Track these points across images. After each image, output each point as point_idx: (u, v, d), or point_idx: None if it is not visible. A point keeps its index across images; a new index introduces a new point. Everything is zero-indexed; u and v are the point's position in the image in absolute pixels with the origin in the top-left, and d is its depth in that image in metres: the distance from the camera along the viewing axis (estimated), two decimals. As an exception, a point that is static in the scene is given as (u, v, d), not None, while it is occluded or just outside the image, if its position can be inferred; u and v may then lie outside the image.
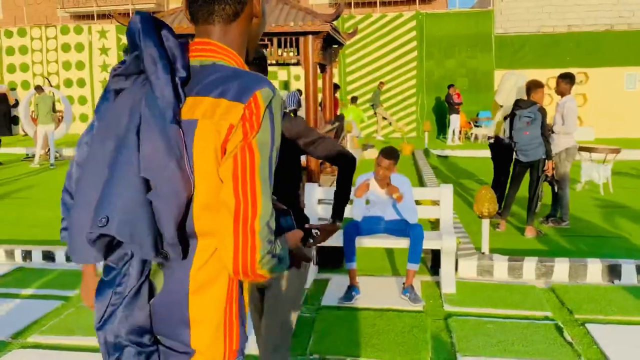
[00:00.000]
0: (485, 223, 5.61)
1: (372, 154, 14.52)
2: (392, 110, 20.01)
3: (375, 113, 19.47)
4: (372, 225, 5.14)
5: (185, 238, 1.28)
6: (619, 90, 19.14)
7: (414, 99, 20.05)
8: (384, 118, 19.82)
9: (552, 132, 7.09)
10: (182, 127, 1.27)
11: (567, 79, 7.18)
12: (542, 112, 6.65)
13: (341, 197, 2.87)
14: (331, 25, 9.22)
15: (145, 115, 1.24)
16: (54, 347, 4.11)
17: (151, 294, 1.30)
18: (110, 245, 1.27)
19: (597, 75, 19.04)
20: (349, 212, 5.47)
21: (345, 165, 2.83)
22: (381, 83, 19.57)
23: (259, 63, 2.62)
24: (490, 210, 5.45)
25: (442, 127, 19.94)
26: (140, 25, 1.30)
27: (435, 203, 5.64)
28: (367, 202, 5.17)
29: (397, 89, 20.09)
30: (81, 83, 21.41)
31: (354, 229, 4.99)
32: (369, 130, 19.71)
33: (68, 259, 6.05)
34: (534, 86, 6.84)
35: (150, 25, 1.32)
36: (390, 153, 4.97)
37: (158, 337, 1.31)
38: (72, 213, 1.36)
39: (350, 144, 15.33)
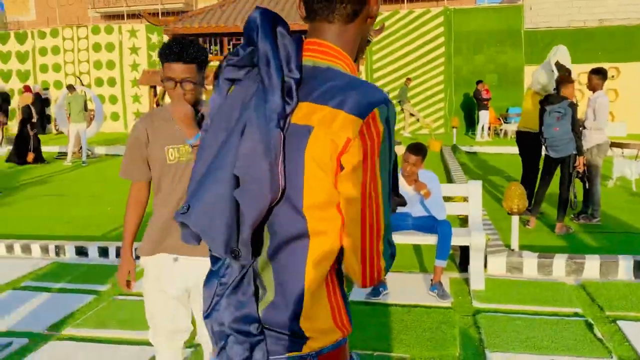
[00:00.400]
0: (515, 219, 5.57)
1: (400, 150, 14.48)
2: (419, 107, 19.92)
3: (402, 109, 19.40)
4: (399, 222, 5.15)
5: (260, 239, 1.31)
6: (652, 85, 18.75)
7: (442, 95, 19.92)
8: (412, 114, 19.74)
9: (584, 127, 7.00)
10: (294, 130, 1.28)
11: (599, 74, 7.08)
12: (573, 107, 6.57)
13: None
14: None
15: (251, 114, 1.26)
16: (88, 340, 4.21)
17: (256, 284, 1.33)
18: None
19: (629, 70, 18.68)
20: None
21: None
22: (408, 79, 19.48)
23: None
24: (519, 206, 5.41)
25: (470, 124, 19.78)
26: (260, 22, 1.30)
27: (464, 199, 5.62)
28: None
29: (424, 85, 19.99)
30: (112, 82, 21.75)
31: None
32: (396, 127, 19.63)
33: (100, 254, 6.18)
34: (564, 81, 6.77)
35: (269, 23, 1.31)
36: (417, 149, 4.97)
37: (266, 325, 1.32)
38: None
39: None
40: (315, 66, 1.34)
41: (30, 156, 14.20)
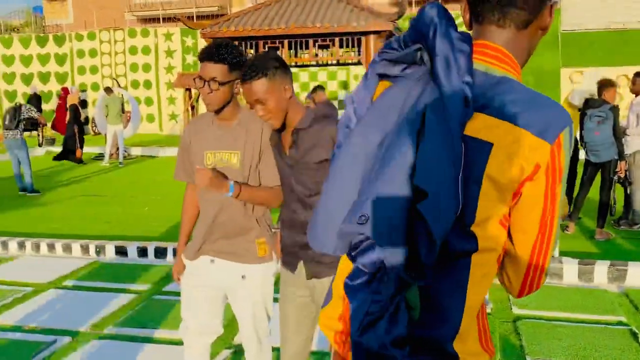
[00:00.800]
0: (555, 225, 5.47)
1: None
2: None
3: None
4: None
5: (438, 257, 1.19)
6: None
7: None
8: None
9: (626, 132, 6.85)
10: (471, 144, 1.18)
11: None
12: (614, 111, 6.44)
13: None
14: (394, 24, 9.21)
15: (430, 119, 1.15)
16: (130, 339, 4.27)
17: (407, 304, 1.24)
18: (357, 243, 1.21)
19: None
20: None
21: None
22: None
23: (279, 65, 2.46)
24: (560, 212, 5.31)
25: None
26: (438, 20, 1.19)
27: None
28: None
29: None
30: (147, 85, 22.07)
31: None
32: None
33: (139, 254, 6.28)
34: (605, 85, 6.64)
35: (448, 22, 1.20)
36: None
37: (414, 345, 1.23)
38: (322, 198, 1.32)
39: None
40: (487, 72, 1.25)
41: (79, 152, 14.59)
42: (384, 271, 1.18)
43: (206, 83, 2.58)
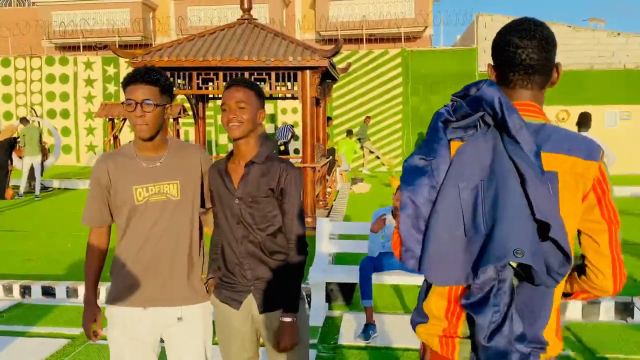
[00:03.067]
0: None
1: (361, 188, 14.54)
2: (378, 145, 20.14)
3: (362, 147, 19.56)
4: (387, 261, 5.08)
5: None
6: (599, 127, 19.53)
7: (400, 133, 20.21)
8: (371, 152, 19.93)
9: None
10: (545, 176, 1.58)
11: None
12: None
13: (293, 285, 2.55)
14: (329, 60, 9.29)
15: (523, 168, 1.55)
16: (68, 389, 3.94)
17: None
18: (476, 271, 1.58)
19: (579, 112, 19.42)
20: (364, 247, 5.42)
21: (301, 251, 2.56)
22: (367, 117, 19.71)
23: (263, 94, 2.61)
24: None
25: (427, 162, 20.08)
26: (501, 99, 1.60)
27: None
28: (382, 237, 5.11)
29: (383, 124, 20.26)
30: (65, 114, 21.20)
31: (370, 265, 4.92)
32: (355, 164, 19.76)
33: (68, 294, 5.87)
34: (583, 125, 7.04)
35: (503, 95, 1.61)
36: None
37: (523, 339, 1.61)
38: (430, 244, 1.63)
39: (339, 178, 15.35)
40: (530, 122, 1.66)
41: (10, 192, 13.52)
42: (497, 287, 1.56)
43: (138, 105, 2.41)
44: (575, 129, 7.35)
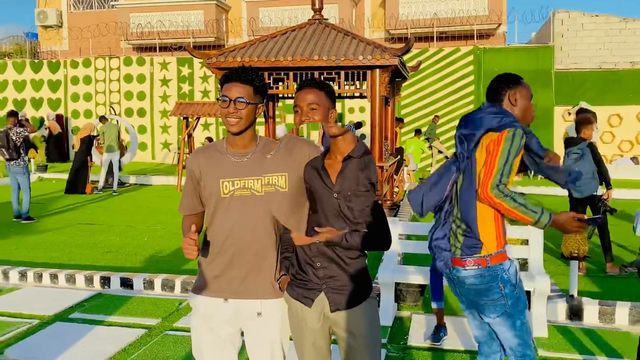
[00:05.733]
0: (574, 264, 5.40)
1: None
2: (447, 144, 19.84)
3: (430, 147, 19.33)
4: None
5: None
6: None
7: (470, 133, 19.81)
8: (439, 151, 19.66)
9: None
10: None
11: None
12: (591, 147, 6.69)
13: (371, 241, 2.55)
14: (399, 59, 9.23)
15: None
16: (145, 377, 4.09)
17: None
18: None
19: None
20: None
21: (384, 243, 2.58)
22: (436, 116, 19.45)
23: (333, 91, 2.69)
24: (580, 250, 5.25)
25: (498, 163, 19.62)
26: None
27: (522, 242, 5.47)
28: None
29: (452, 123, 19.92)
30: (142, 113, 21.99)
31: (441, 267, 4.86)
32: (423, 164, 19.53)
33: (145, 286, 6.10)
34: (584, 122, 6.80)
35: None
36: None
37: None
38: (425, 189, 3.15)
39: (406, 178, 15.21)
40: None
41: (90, 187, 14.17)
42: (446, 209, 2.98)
43: (231, 102, 2.52)
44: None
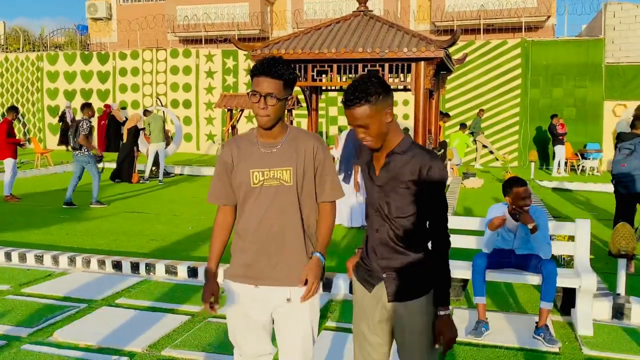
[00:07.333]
0: (622, 262, 5.26)
1: (473, 182, 14.18)
2: (492, 139, 19.53)
3: (475, 141, 19.06)
4: (502, 259, 4.95)
5: None
6: None
7: (516, 127, 19.45)
8: (484, 146, 19.37)
9: None
10: None
11: None
12: None
13: (444, 282, 2.50)
14: (445, 51, 9.12)
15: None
16: (188, 362, 4.18)
17: None
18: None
19: None
20: (477, 243, 5.30)
21: (445, 244, 2.52)
22: (481, 110, 19.14)
23: (382, 91, 2.43)
24: (628, 247, 5.12)
25: (544, 158, 19.22)
26: None
27: (569, 238, 5.37)
28: (497, 235, 4.97)
29: (498, 117, 19.59)
30: (187, 104, 22.32)
31: (484, 262, 4.81)
32: (467, 159, 19.26)
33: (189, 274, 6.22)
34: (638, 117, 6.65)
35: None
36: (521, 181, 4.77)
37: None
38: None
39: (450, 173, 15.06)
40: None
41: (136, 177, 14.51)
42: None
43: (262, 98, 2.54)
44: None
